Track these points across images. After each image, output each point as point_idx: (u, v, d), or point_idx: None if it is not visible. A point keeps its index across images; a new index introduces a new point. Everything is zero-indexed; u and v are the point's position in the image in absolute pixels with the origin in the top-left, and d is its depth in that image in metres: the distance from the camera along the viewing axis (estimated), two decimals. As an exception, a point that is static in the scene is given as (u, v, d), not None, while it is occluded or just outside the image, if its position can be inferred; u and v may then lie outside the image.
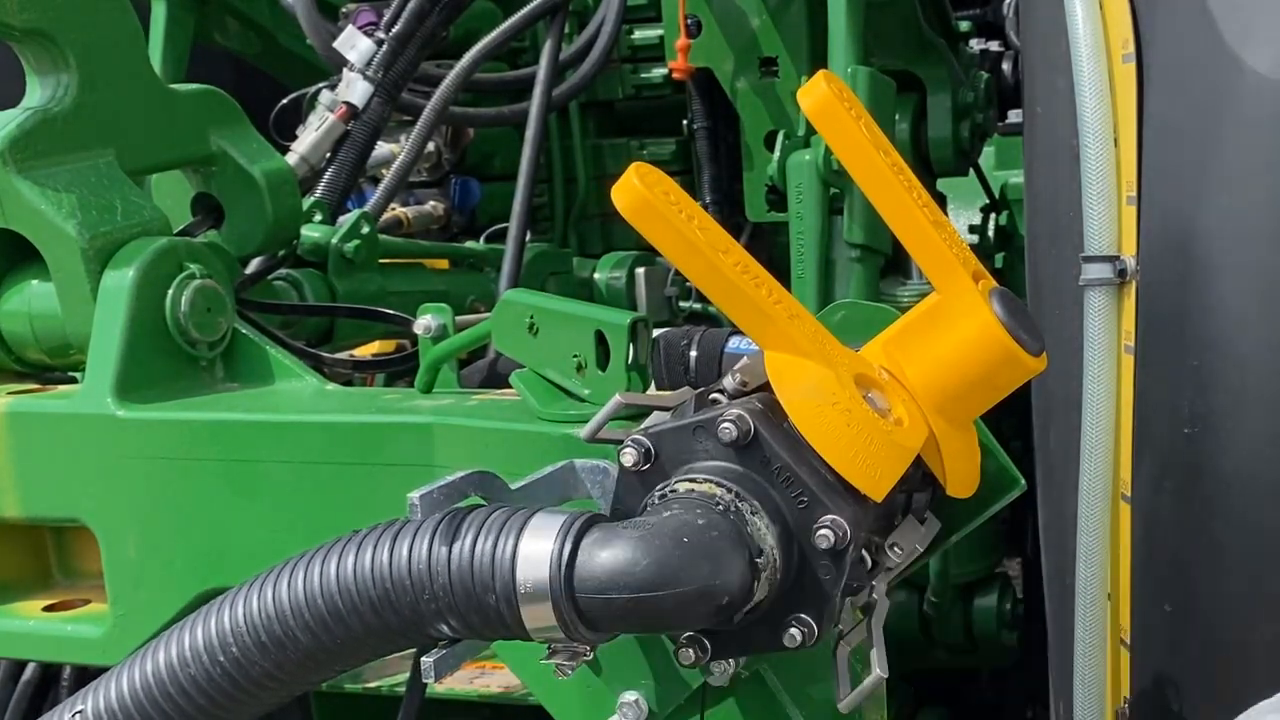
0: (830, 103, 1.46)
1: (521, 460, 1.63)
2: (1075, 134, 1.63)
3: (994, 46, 3.77)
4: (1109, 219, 1.60)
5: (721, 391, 1.47)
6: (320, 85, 3.06)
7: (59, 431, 1.96)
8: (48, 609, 2.04)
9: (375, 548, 1.36)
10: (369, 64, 2.89)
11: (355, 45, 2.91)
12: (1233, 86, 1.57)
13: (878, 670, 1.46)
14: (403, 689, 2.25)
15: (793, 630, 1.40)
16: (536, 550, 1.32)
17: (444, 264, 3.07)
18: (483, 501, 1.42)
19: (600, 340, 1.68)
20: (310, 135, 2.84)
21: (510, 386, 1.82)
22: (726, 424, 1.39)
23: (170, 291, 2.00)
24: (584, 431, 1.49)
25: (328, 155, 2.84)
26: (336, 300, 2.54)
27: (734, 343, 1.62)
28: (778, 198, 3.01)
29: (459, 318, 2.01)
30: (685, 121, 3.42)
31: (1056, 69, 1.70)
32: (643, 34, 3.56)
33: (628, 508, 1.42)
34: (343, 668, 1.43)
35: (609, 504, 1.45)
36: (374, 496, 1.78)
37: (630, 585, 1.30)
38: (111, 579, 1.95)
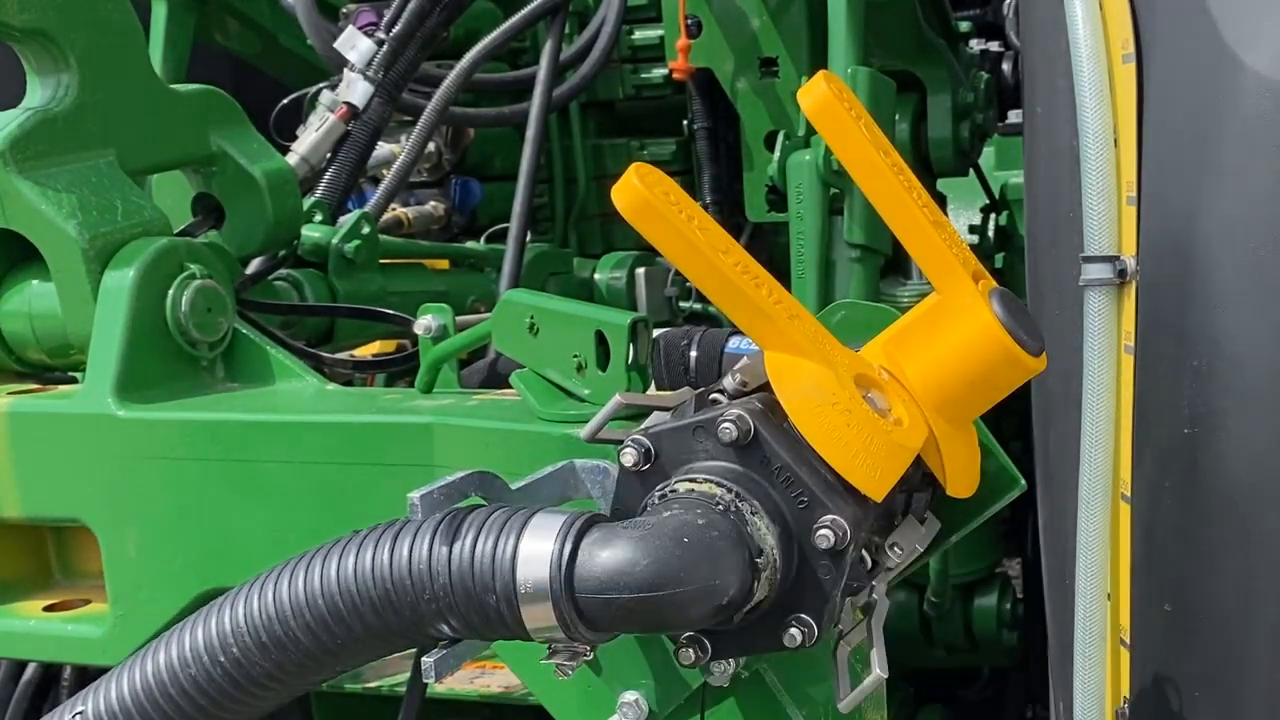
0: (830, 103, 1.46)
1: (521, 460, 1.63)
2: (1075, 134, 1.62)
3: (994, 46, 3.78)
4: (1109, 219, 1.59)
5: (721, 391, 1.47)
6: (320, 85, 3.06)
7: (59, 431, 1.96)
8: (48, 609, 2.04)
9: (375, 548, 1.36)
10: (369, 64, 2.88)
11: (355, 45, 2.91)
12: (1233, 86, 1.57)
13: (878, 670, 1.46)
14: (403, 689, 2.25)
15: (793, 630, 1.40)
16: (537, 550, 1.32)
17: (444, 264, 3.07)
18: (483, 501, 1.42)
19: (600, 340, 1.68)
20: (310, 135, 2.84)
21: (510, 386, 1.82)
22: (726, 424, 1.39)
23: (171, 291, 2.00)
24: (584, 431, 1.49)
25: (328, 155, 2.83)
26: (337, 300, 2.53)
27: (734, 343, 1.62)
28: (778, 198, 3.01)
29: (459, 318, 2.01)
30: (685, 122, 3.42)
31: (1056, 69, 1.70)
32: (643, 34, 3.55)
33: (628, 508, 1.42)
34: (343, 668, 1.43)
35: (609, 504, 1.45)
36: (374, 496, 1.78)
37: (630, 585, 1.30)
38: (112, 579, 1.95)
